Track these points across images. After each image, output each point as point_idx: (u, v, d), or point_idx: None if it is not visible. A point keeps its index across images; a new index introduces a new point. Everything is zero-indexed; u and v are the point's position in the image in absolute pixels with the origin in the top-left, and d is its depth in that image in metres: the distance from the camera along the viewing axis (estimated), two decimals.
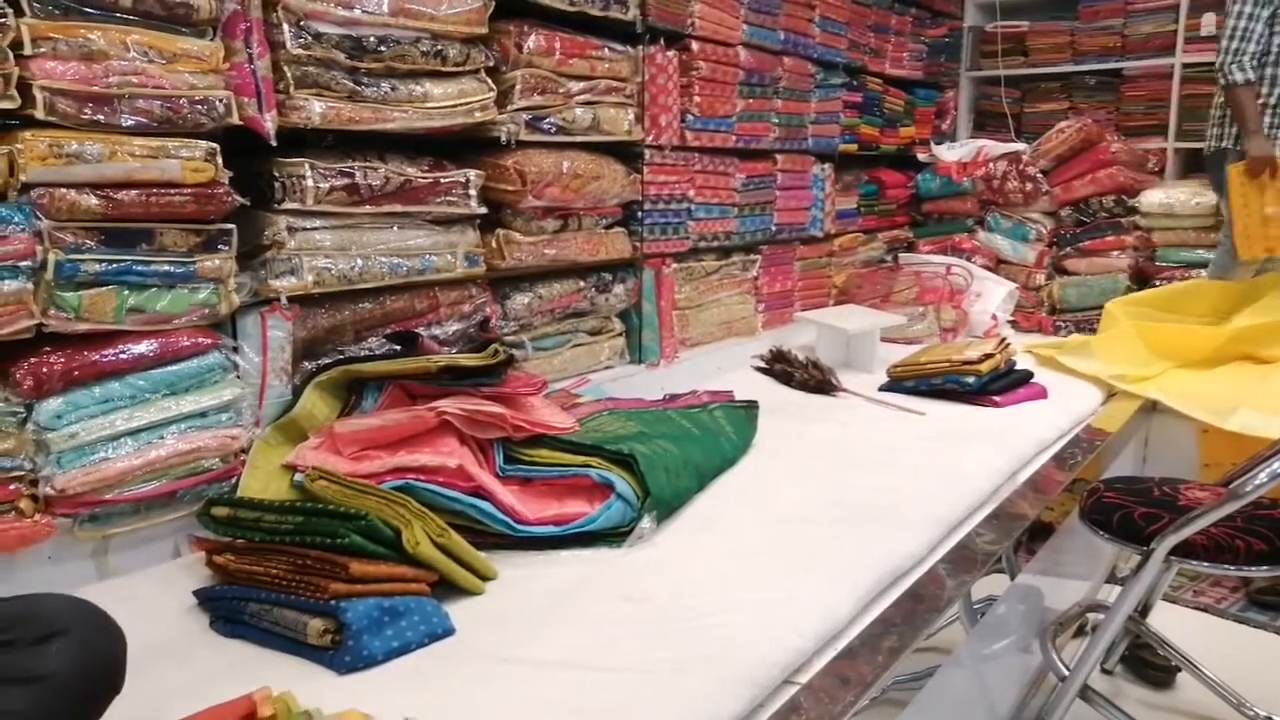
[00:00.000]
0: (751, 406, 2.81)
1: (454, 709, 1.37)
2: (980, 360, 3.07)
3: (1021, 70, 4.97)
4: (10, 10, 1.62)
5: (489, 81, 2.42)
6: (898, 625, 1.62)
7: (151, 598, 1.67)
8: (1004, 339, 3.44)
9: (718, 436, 2.50)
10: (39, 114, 1.67)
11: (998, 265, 4.43)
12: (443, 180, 2.33)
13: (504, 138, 2.49)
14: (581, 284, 2.86)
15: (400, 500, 1.78)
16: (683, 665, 1.44)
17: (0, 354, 1.72)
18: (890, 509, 2.05)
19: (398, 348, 2.27)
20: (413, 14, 2.19)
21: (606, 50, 2.80)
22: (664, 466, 2.13)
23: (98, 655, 1.12)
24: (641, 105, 2.98)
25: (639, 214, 3.04)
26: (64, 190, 1.70)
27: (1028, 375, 3.19)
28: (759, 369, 3.45)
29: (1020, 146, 4.47)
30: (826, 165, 4.05)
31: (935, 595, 1.75)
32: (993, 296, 4.13)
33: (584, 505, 2.02)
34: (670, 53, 3.08)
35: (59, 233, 1.70)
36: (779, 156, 3.73)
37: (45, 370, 1.71)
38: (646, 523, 1.99)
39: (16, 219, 1.64)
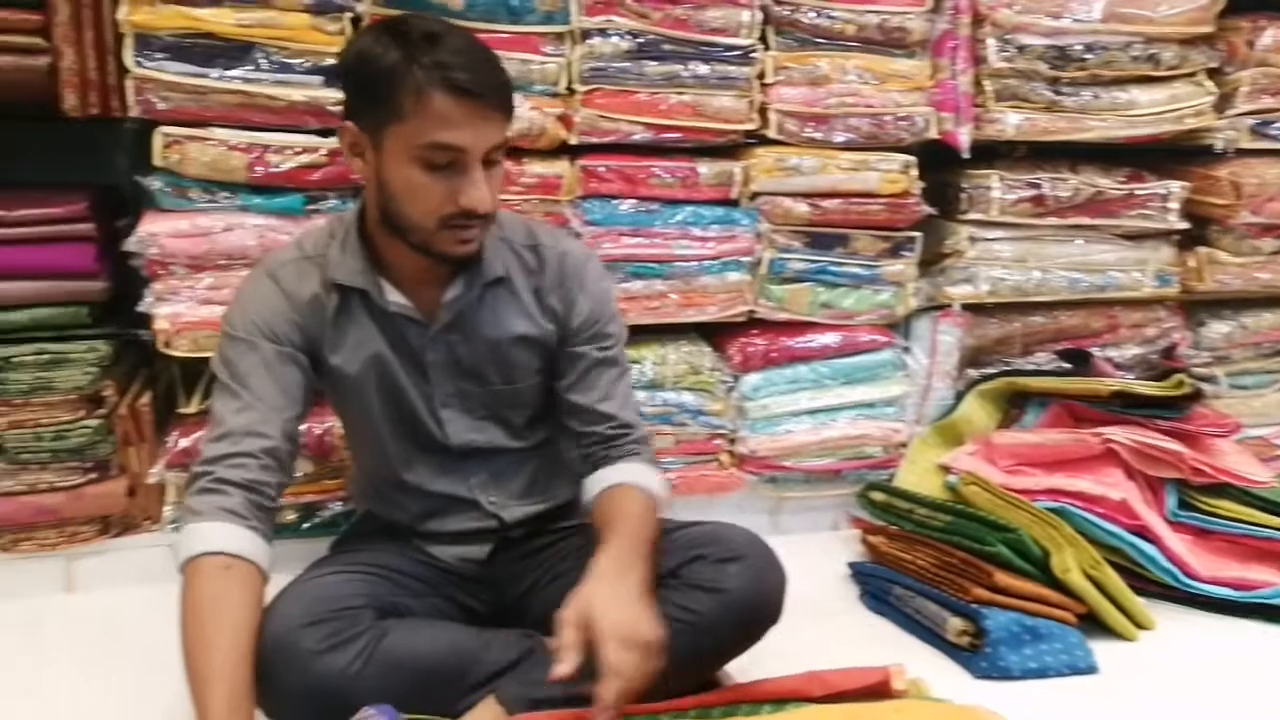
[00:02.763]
0: None
1: None
2: None
3: None
4: (760, 46, 1.92)
5: (1207, 84, 2.18)
6: None
7: (812, 559, 1.85)
8: None
9: None
10: (770, 133, 1.96)
11: None
12: (1138, 192, 2.18)
13: (1219, 146, 2.23)
14: None
15: (1053, 522, 1.72)
16: None
17: (718, 332, 2.06)
18: None
19: (1067, 366, 2.19)
20: (1126, 18, 2.07)
21: None
22: None
23: (766, 585, 1.30)
24: None
25: None
26: (782, 198, 1.97)
27: None
28: None
29: None
30: None
31: None
32: None
33: (1275, 574, 1.76)
34: None
35: (774, 234, 1.98)
36: None
37: (751, 349, 2.01)
38: None
39: (745, 222, 1.96)
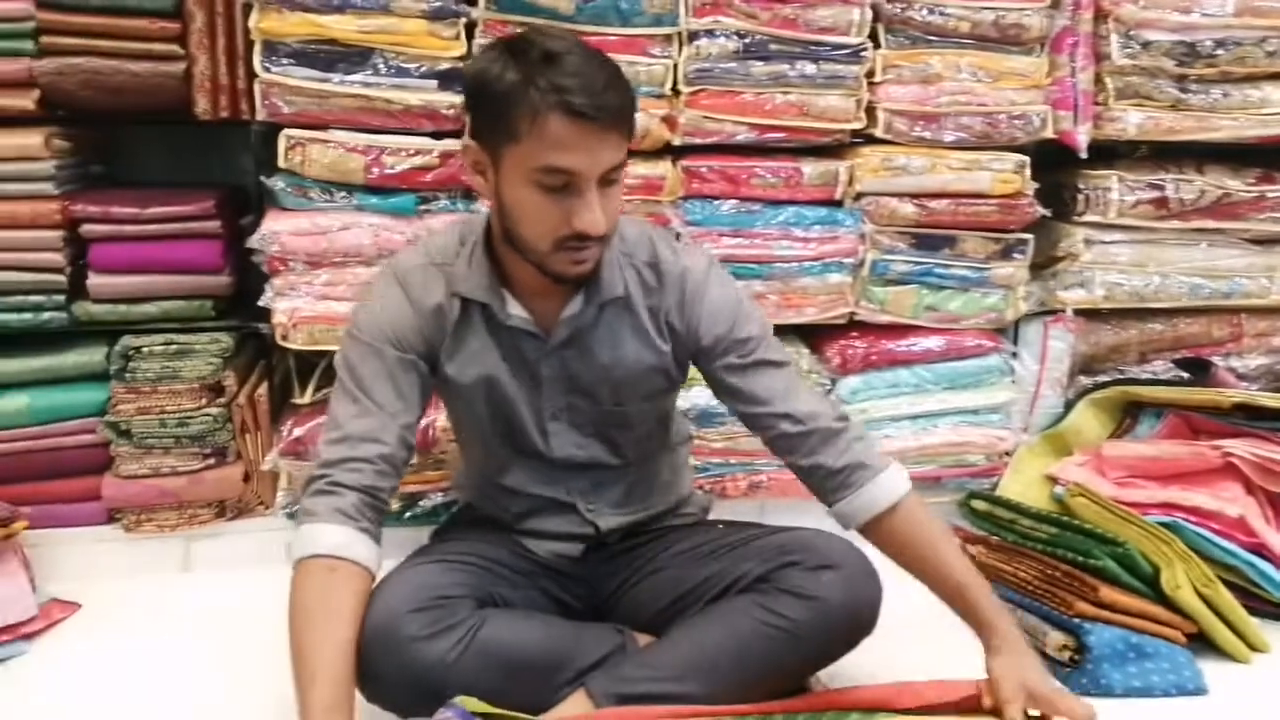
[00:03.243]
0: None
1: None
2: None
3: None
4: (870, 44, 1.89)
5: None
6: None
7: None
8: None
9: None
10: (878, 132, 1.93)
11: None
12: (1269, 195, 2.08)
13: None
14: None
15: (1165, 537, 1.66)
16: None
17: (817, 334, 2.05)
18: None
19: (1185, 375, 2.11)
20: (1262, 12, 1.98)
21: None
22: None
23: (861, 595, 1.29)
24: None
25: None
26: (887, 199, 1.94)
27: None
28: None
29: None
30: None
31: None
32: None
33: None
34: None
35: (878, 235, 1.96)
36: None
37: (850, 352, 1.99)
38: None
39: (848, 222, 1.94)
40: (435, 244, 1.36)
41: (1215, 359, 2.14)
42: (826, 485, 1.34)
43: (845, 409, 1.94)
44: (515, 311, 1.31)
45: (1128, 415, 2.07)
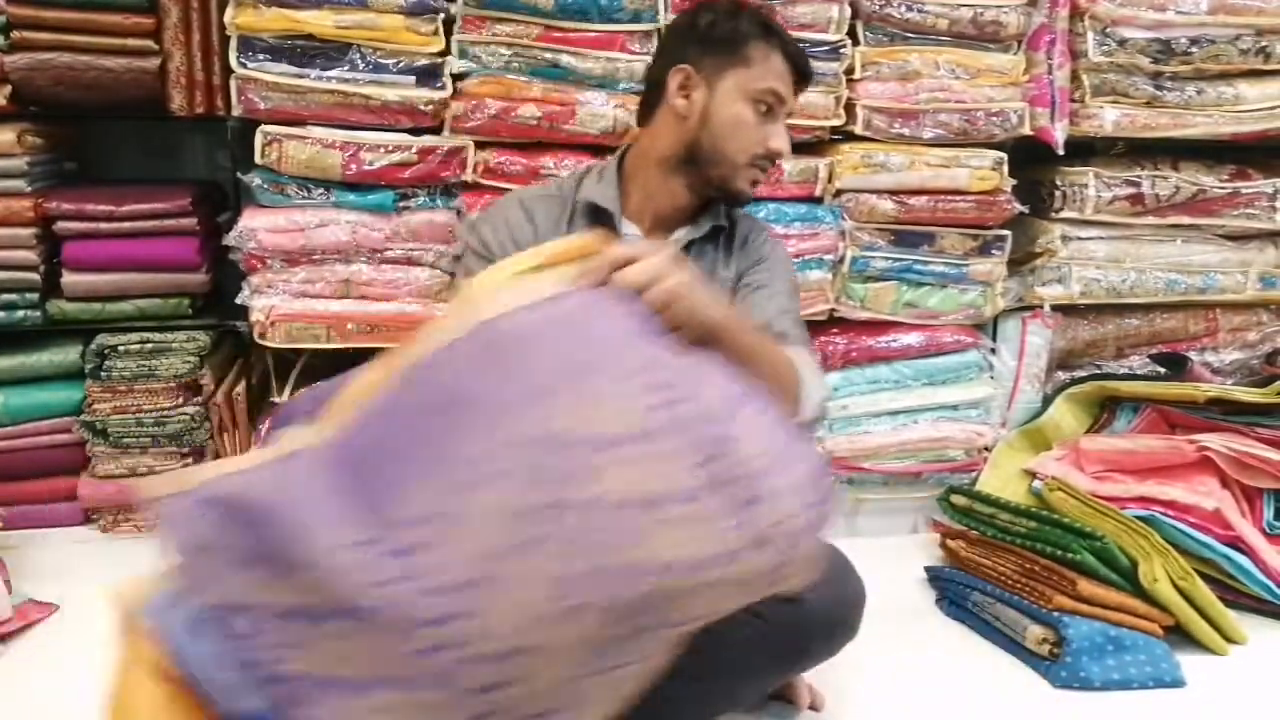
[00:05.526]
0: None
1: None
2: None
3: None
4: (849, 41, 1.90)
5: None
6: None
7: (889, 563, 1.84)
8: None
9: None
10: (857, 129, 1.93)
11: None
12: (1244, 191, 2.10)
13: None
14: None
15: (1142, 531, 1.68)
16: None
17: None
18: None
19: (1162, 370, 2.12)
20: (1236, 9, 1.99)
21: None
22: None
23: (843, 596, 1.28)
24: None
25: None
26: (867, 195, 1.95)
27: None
28: None
29: None
30: None
31: None
32: None
33: None
34: None
35: (858, 232, 1.96)
36: None
37: (831, 348, 1.99)
38: None
39: (828, 219, 1.94)
40: (563, 178, 1.47)
41: (1191, 354, 2.15)
42: None
43: (827, 405, 1.97)
44: (629, 230, 1.39)
45: (1105, 410, 2.09)
